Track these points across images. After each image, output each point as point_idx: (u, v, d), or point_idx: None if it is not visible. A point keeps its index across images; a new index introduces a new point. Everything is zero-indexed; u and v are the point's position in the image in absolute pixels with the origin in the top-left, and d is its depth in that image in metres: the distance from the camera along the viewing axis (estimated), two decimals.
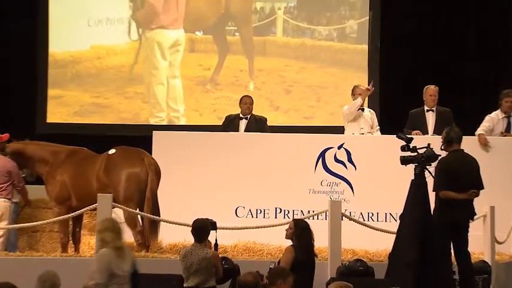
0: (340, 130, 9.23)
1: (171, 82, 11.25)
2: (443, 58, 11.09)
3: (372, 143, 8.47)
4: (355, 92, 8.92)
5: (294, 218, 7.11)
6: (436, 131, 8.45)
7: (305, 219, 6.95)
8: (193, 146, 8.34)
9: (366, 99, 9.03)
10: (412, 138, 6.49)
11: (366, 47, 11.29)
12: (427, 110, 8.83)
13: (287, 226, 6.62)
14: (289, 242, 6.48)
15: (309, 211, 7.95)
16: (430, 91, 8.79)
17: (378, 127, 8.97)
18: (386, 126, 9.01)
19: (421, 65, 11.11)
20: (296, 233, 6.46)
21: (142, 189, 7.63)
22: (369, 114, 8.91)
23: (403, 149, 6.35)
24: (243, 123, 8.83)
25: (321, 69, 11.45)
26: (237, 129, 8.88)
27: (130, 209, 7.47)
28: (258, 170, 8.24)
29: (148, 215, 7.47)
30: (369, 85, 8.81)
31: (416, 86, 9.36)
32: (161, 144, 8.27)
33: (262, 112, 9.57)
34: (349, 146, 8.31)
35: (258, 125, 8.85)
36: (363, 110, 8.87)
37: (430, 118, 8.72)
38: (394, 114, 9.79)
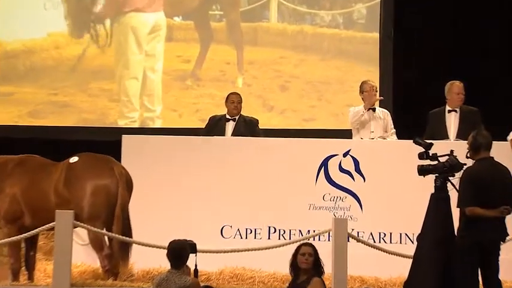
0: (346, 134, 9.14)
1: (149, 76, 11.20)
2: (472, 49, 10.88)
3: (384, 150, 8.33)
4: (363, 89, 8.80)
5: (304, 241, 6.79)
6: (460, 135, 8.38)
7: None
8: (170, 153, 8.25)
9: (377, 96, 8.95)
10: (431, 144, 6.48)
11: (377, 35, 11.08)
12: (449, 111, 8.70)
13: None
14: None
15: (308, 231, 7.85)
16: (456, 88, 8.65)
17: (393, 130, 8.90)
18: (402, 130, 8.92)
19: (445, 58, 10.83)
20: (316, 261, 6.51)
21: (111, 204, 7.50)
22: (382, 116, 8.77)
23: (421, 156, 6.32)
24: (230, 126, 8.72)
25: (323, 62, 11.24)
26: (223, 133, 8.77)
27: (97, 229, 7.29)
28: (248, 182, 8.14)
29: (119, 236, 7.31)
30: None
31: (437, 82, 9.09)
32: (132, 151, 8.17)
33: (253, 113, 9.45)
34: (356, 153, 8.21)
35: (248, 127, 8.75)
36: (374, 110, 8.76)
37: (452, 120, 8.61)
38: (412, 115, 9.56)
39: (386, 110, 9.10)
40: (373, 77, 10.35)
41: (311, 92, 11.26)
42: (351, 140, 8.75)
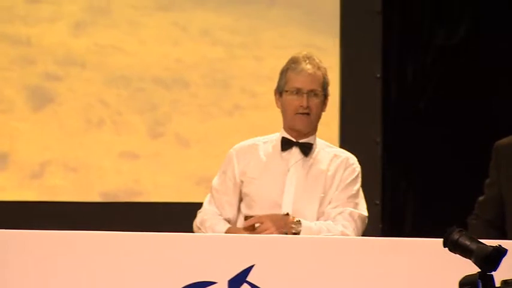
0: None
1: None
2: None
3: (345, 265, 7.36)
4: (285, 84, 7.68)
5: None
6: None
7: None
8: None
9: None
10: (502, 252, 5.49)
11: None
12: None
13: None
14: None
15: None
16: None
17: (362, 214, 7.93)
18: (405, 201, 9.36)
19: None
20: None
21: None
22: (330, 166, 7.95)
23: None
24: None
25: (177, 26, 9.69)
26: None
27: None
28: None
29: None
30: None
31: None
32: None
33: None
34: (267, 280, 7.32)
35: None
36: (307, 148, 7.91)
37: None
38: (430, 158, 9.49)
39: (348, 155, 7.77)
40: (329, 59, 8.84)
41: (136, 109, 9.40)
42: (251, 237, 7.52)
